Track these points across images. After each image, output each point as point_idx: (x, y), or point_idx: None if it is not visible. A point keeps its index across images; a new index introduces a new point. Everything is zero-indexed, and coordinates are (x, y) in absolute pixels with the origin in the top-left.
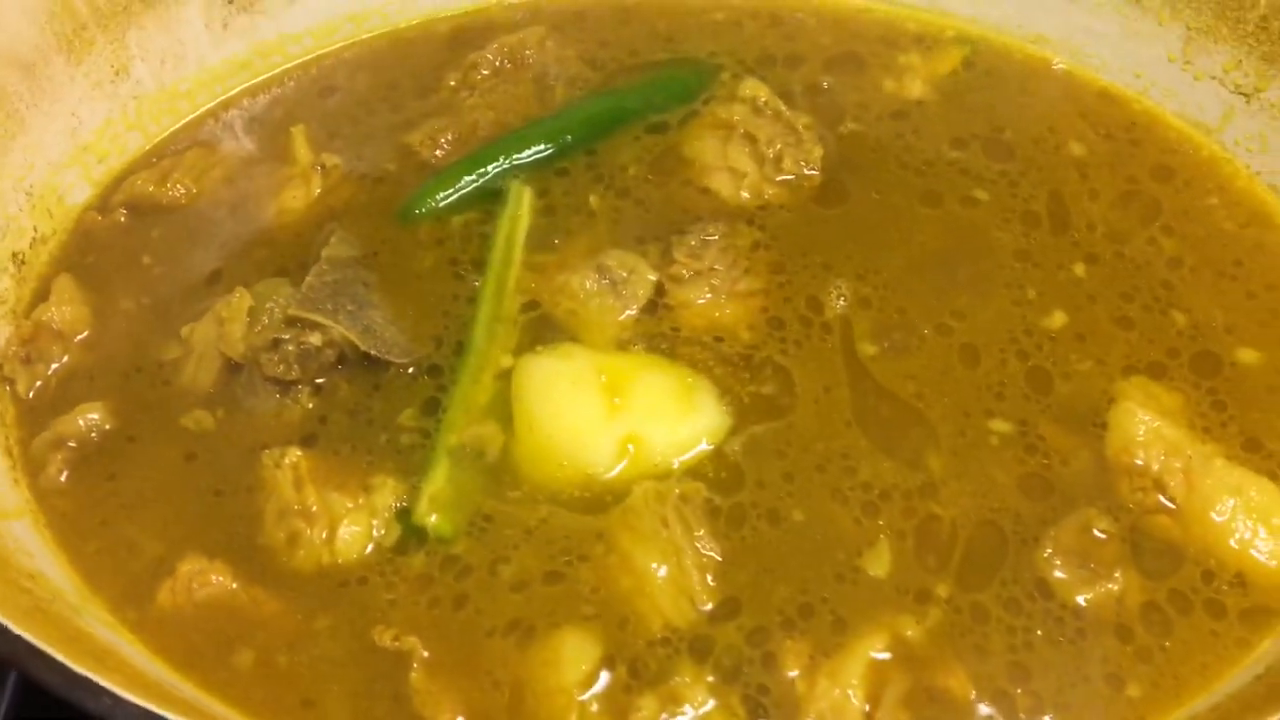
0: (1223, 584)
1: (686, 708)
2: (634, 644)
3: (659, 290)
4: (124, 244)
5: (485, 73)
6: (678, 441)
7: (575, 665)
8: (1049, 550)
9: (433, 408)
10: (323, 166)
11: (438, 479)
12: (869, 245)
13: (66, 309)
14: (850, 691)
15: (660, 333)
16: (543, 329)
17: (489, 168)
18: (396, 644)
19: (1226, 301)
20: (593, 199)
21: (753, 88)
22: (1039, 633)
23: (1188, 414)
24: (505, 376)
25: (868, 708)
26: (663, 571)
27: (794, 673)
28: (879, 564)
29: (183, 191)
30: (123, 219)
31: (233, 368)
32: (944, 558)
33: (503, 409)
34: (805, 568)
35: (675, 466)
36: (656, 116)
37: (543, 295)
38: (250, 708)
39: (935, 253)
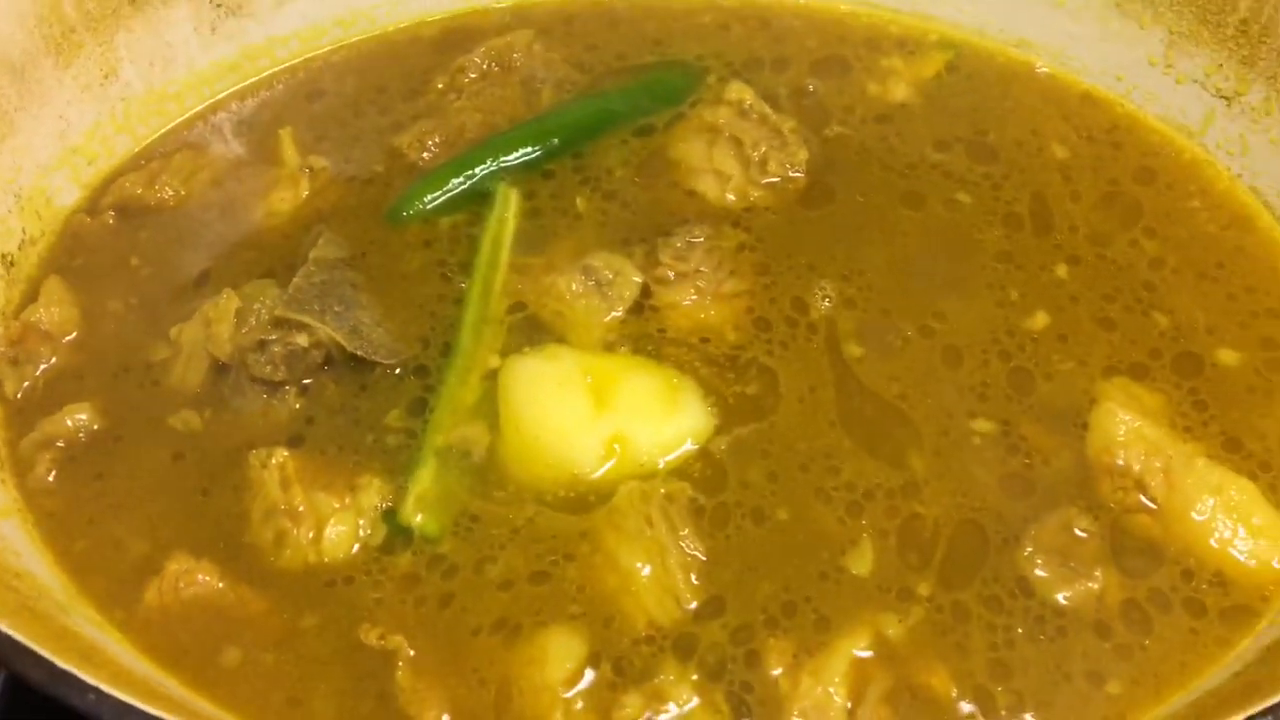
0: (1202, 583)
1: (671, 705)
2: (619, 642)
3: (645, 292)
4: (112, 246)
5: (473, 76)
6: (663, 442)
7: (561, 663)
8: (1030, 549)
9: (419, 408)
10: (310, 169)
11: (424, 479)
12: (853, 247)
13: (55, 310)
14: (833, 689)
15: (646, 334)
16: (529, 330)
17: (476, 170)
18: (383, 642)
19: (1208, 303)
20: (579, 201)
21: (738, 91)
22: (1020, 631)
23: (1169, 414)
24: (492, 377)
25: (850, 705)
26: (647, 570)
27: (777, 670)
28: (862, 563)
29: (171, 193)
30: (111, 221)
31: (220, 368)
32: (926, 556)
33: (489, 409)
34: (789, 566)
35: (660, 466)
36: (643, 119)
37: (529, 297)
38: (237, 706)
39: (919, 254)
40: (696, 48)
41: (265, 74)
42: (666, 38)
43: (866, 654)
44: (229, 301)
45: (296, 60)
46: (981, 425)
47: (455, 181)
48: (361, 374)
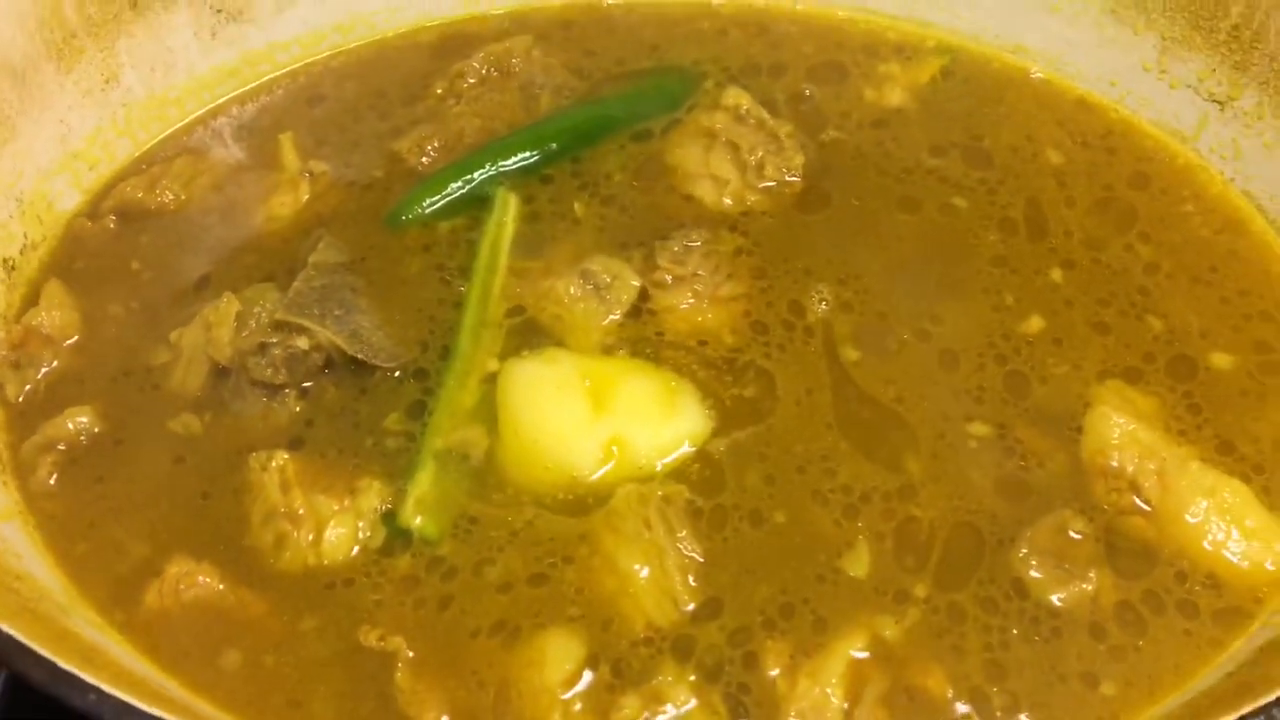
0: (1195, 584)
1: (669, 707)
2: (617, 644)
3: (643, 295)
4: (113, 250)
5: (472, 81)
6: (661, 444)
7: (559, 665)
8: (1025, 550)
9: (419, 411)
10: (310, 173)
11: (423, 482)
12: (850, 251)
13: (56, 314)
14: (830, 690)
15: (644, 337)
16: (528, 334)
17: (475, 175)
18: (382, 644)
19: (1201, 307)
20: (577, 206)
21: (735, 96)
22: (1015, 632)
23: (1163, 417)
24: (491, 380)
25: (847, 706)
26: (645, 573)
27: (775, 672)
28: (858, 565)
29: (172, 198)
30: (112, 225)
31: (220, 372)
32: (922, 558)
33: (488, 413)
34: (786, 568)
35: (658, 469)
36: (641, 125)
37: (528, 300)
38: (237, 707)
39: (915, 258)
40: (694, 53)
41: (265, 79)
42: (664, 44)
43: (863, 655)
44: (229, 305)
45: (297, 65)
46: (977, 428)
47: (454, 186)
48: (361, 377)
